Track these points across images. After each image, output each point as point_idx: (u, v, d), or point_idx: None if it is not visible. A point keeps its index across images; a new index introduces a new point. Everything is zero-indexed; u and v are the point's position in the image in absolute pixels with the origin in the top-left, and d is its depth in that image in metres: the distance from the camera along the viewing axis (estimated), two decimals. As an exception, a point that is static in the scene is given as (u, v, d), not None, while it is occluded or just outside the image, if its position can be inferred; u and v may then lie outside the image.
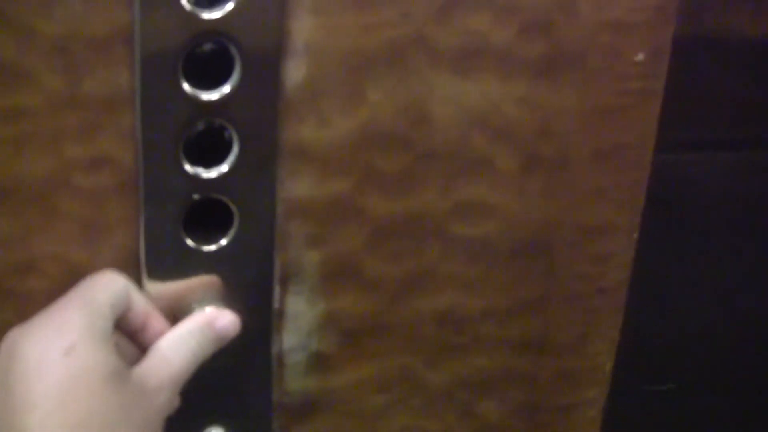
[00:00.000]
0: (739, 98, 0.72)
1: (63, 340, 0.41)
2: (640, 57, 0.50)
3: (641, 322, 0.64)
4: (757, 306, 0.79)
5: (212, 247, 0.46)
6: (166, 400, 0.43)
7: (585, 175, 0.52)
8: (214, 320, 0.46)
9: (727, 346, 0.80)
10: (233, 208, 0.46)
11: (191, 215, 0.45)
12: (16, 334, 0.42)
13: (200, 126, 0.44)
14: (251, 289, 0.48)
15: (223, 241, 0.46)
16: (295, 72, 0.45)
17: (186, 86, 0.43)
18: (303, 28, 0.44)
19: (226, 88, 0.43)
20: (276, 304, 0.49)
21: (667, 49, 0.52)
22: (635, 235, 0.55)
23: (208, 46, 0.43)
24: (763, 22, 0.69)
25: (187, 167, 0.44)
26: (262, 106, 0.44)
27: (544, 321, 0.55)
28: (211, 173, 0.44)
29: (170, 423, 0.48)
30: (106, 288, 0.44)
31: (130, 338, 0.45)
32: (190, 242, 0.46)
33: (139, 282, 0.46)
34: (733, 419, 0.82)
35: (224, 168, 0.44)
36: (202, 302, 0.46)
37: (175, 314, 0.46)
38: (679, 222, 0.74)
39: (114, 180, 0.44)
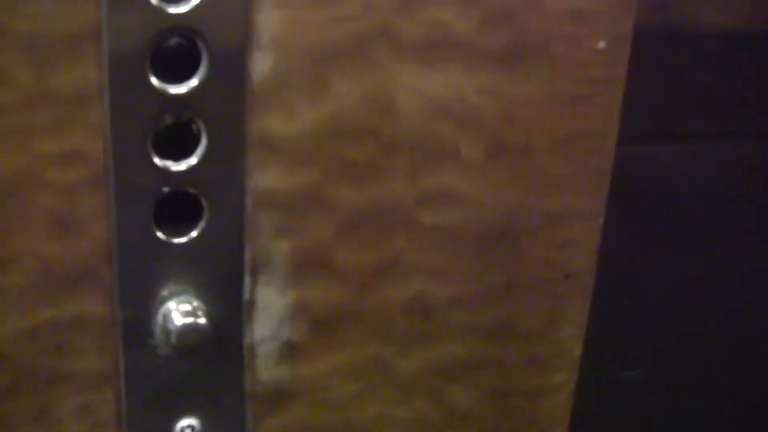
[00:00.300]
0: (705, 89, 0.73)
1: None
2: (602, 45, 0.52)
3: (608, 309, 0.65)
4: (724, 293, 0.81)
5: (183, 240, 0.47)
6: None
7: (549, 162, 0.53)
8: None
9: (694, 333, 0.81)
10: (203, 200, 0.47)
11: (162, 208, 0.46)
12: None
13: (169, 119, 0.45)
14: (222, 280, 0.49)
15: (194, 233, 0.47)
16: (261, 65, 0.46)
17: (154, 80, 0.44)
18: (268, 21, 0.45)
19: (194, 82, 0.44)
20: (246, 295, 0.50)
21: (629, 37, 0.53)
22: (600, 221, 0.57)
23: (175, 41, 0.44)
24: (728, 12, 0.70)
25: (157, 160, 0.45)
26: (229, 99, 0.45)
27: (511, 307, 0.56)
28: (180, 166, 0.46)
29: (143, 416, 0.49)
30: None
31: None
32: (161, 235, 0.47)
33: (111, 275, 0.47)
34: (700, 404, 0.84)
35: (193, 161, 0.46)
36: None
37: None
38: (647, 211, 0.75)
39: (86, 174, 0.45)
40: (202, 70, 0.45)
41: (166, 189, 0.46)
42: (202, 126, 0.45)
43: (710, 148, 0.75)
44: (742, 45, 0.71)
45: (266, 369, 0.52)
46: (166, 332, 0.48)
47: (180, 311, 0.47)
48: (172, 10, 0.43)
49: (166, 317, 0.48)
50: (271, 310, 0.51)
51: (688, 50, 0.71)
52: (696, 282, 0.79)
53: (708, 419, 0.84)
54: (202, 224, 0.47)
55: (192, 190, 0.47)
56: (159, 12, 0.43)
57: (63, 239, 0.46)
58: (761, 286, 0.81)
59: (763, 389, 0.85)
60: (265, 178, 0.48)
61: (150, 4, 0.42)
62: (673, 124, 0.73)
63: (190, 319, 0.47)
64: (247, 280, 0.50)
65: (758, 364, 0.84)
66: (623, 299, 0.77)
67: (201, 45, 0.44)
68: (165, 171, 0.45)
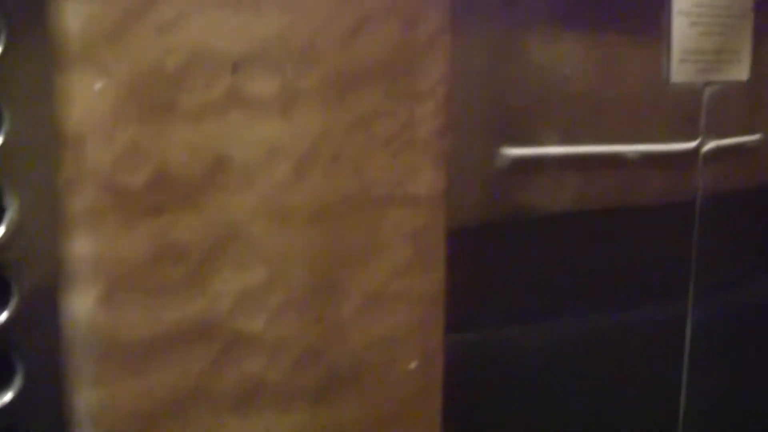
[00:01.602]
0: (544, 271, 0.80)
1: None
2: (414, 365, 0.60)
3: None
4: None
5: None
6: None
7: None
8: None
9: None
10: None
11: None
12: None
13: None
14: None
15: None
16: (84, 446, 0.53)
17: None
18: (87, 400, 0.52)
19: None
20: None
21: (440, 350, 0.61)
22: None
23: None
24: (562, 196, 0.78)
25: None
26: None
27: None
28: None
29: None
30: None
31: None
32: None
33: None
34: None
35: None
36: None
37: None
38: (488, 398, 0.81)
39: None
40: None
41: None
42: None
43: (548, 326, 0.81)
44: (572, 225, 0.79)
45: None
46: None
47: None
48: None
49: None
50: None
51: (525, 236, 0.77)
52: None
53: None
54: None
55: None
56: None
57: None
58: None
59: None
60: None
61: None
62: (512, 306, 0.79)
63: None
64: None
65: None
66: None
67: (23, 435, 0.51)
68: None
